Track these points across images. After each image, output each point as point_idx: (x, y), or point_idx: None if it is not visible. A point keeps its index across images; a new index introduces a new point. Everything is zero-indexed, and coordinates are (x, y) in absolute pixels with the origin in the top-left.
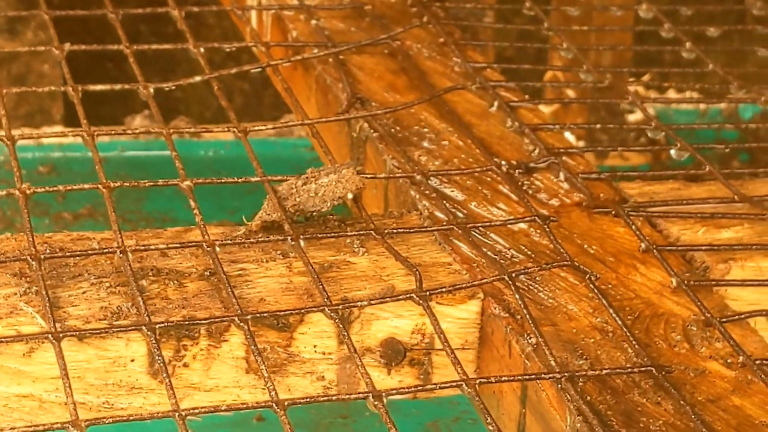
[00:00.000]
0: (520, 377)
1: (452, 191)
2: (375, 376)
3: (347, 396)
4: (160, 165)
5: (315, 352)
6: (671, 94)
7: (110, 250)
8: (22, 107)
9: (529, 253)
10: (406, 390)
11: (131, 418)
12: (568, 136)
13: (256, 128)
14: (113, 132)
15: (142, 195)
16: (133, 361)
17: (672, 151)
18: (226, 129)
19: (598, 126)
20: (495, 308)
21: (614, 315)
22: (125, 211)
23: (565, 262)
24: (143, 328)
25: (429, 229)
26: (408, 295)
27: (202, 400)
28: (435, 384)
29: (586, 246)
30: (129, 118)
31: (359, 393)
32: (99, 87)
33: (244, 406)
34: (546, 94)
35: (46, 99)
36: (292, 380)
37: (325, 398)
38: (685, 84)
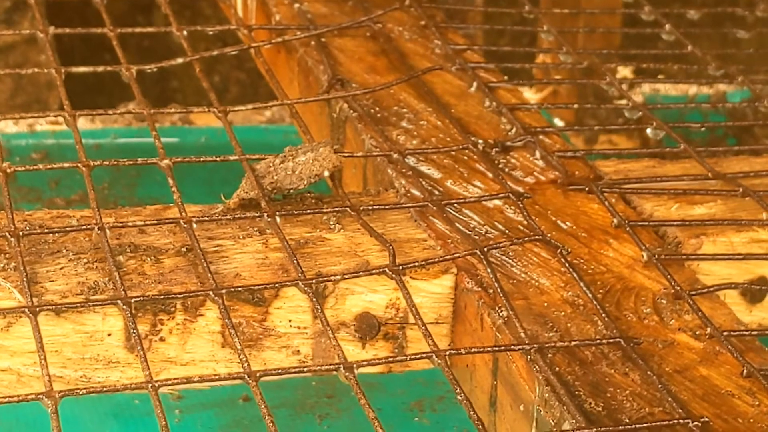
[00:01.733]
0: (489, 349)
1: (429, 169)
2: (350, 350)
3: (318, 368)
4: (151, 151)
5: (290, 326)
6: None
7: (88, 226)
8: (19, 97)
9: (503, 229)
10: (377, 361)
11: (104, 389)
12: (558, 122)
13: (236, 109)
14: (95, 113)
15: (134, 180)
16: (110, 335)
17: (648, 130)
18: (206, 110)
19: (575, 106)
20: (468, 282)
21: (585, 288)
22: (118, 197)
23: (537, 237)
24: (119, 302)
25: (404, 205)
26: (381, 270)
27: (179, 374)
28: (406, 356)
29: (559, 222)
30: (122, 106)
31: (330, 365)
32: (82, 69)
33: (217, 377)
34: (536, 77)
35: (43, 89)
36: (268, 354)
37: (296, 370)
38: (664, 66)
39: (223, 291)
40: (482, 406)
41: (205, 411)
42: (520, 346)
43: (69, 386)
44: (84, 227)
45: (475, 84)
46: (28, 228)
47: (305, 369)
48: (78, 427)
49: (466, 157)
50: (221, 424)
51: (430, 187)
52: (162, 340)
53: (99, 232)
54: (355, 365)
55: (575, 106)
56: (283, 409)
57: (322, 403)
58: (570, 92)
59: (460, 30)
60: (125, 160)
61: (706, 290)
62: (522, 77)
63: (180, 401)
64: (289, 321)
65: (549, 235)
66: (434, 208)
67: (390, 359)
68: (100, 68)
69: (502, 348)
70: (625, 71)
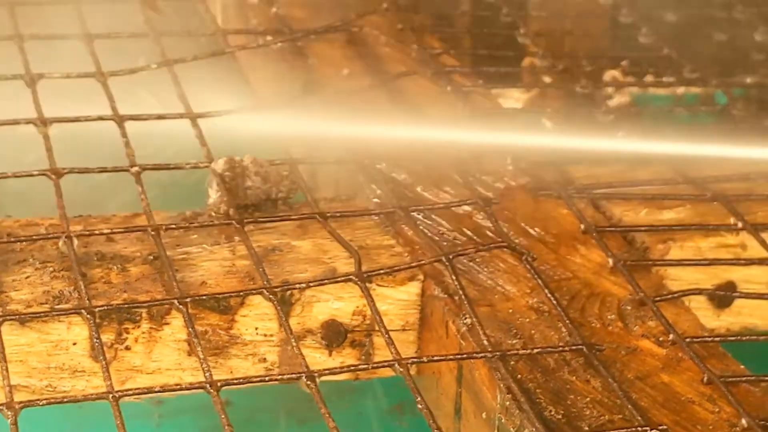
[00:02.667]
0: (451, 357)
1: (400, 175)
2: (316, 357)
3: (281, 377)
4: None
5: (256, 334)
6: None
7: (55, 235)
8: None
9: (471, 235)
10: (339, 370)
11: (65, 399)
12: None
13: (209, 114)
14: (65, 119)
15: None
16: (75, 344)
17: (619, 134)
18: (179, 116)
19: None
20: (434, 289)
21: (549, 295)
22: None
23: (502, 244)
24: (83, 311)
25: (372, 212)
26: (347, 277)
27: (145, 383)
28: (368, 364)
29: (528, 227)
30: None
31: (292, 374)
32: (56, 75)
33: (178, 387)
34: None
35: None
36: (234, 362)
37: (258, 379)
38: (639, 68)
39: (188, 299)
40: (448, 413)
41: (184, 415)
42: (482, 354)
43: (34, 395)
44: (51, 236)
45: (449, 88)
46: None
47: (267, 378)
48: None
49: (438, 163)
50: (200, 429)
51: (400, 193)
52: (128, 348)
53: (66, 240)
54: (317, 374)
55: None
56: (264, 413)
57: (302, 407)
58: (558, 93)
59: (436, 33)
60: (96, 168)
61: (670, 296)
62: (510, 80)
63: (159, 406)
64: (256, 329)
65: (517, 240)
66: (402, 214)
67: (352, 368)
68: (74, 74)
69: (464, 356)
70: (614, 72)
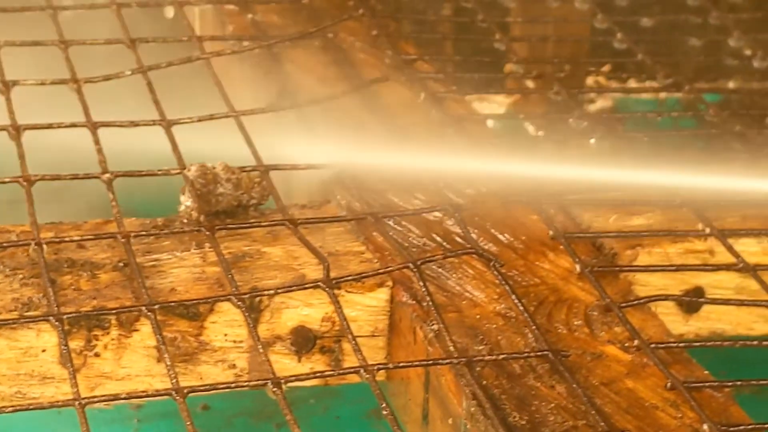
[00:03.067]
0: (417, 363)
1: (371, 181)
2: (286, 363)
3: (247, 383)
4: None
5: (226, 340)
6: (632, 84)
7: (25, 242)
8: None
9: (441, 241)
10: (306, 376)
11: (31, 406)
12: (529, 127)
13: (182, 121)
14: (39, 127)
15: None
16: (44, 351)
17: (591, 140)
18: (152, 122)
19: (521, 116)
20: (403, 296)
21: (516, 301)
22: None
23: (470, 250)
24: (51, 318)
25: (342, 218)
26: (315, 284)
27: (114, 389)
28: (333, 370)
29: (498, 234)
30: None
31: (258, 380)
32: (30, 81)
33: (144, 394)
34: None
35: None
36: (204, 368)
37: (225, 386)
38: (614, 74)
39: (156, 306)
40: (416, 419)
41: (163, 420)
42: (448, 360)
43: (4, 402)
44: (21, 243)
45: (423, 94)
46: None
47: (234, 384)
48: None
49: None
50: None
51: (371, 200)
52: (97, 355)
53: (36, 247)
54: (283, 381)
55: (521, 117)
56: (241, 417)
57: (280, 411)
58: (540, 99)
59: (411, 39)
60: (67, 174)
61: (636, 302)
62: (493, 86)
63: (138, 410)
64: (225, 335)
65: (486, 247)
66: (373, 220)
67: (318, 374)
68: (48, 81)
69: (430, 362)
70: (598, 78)
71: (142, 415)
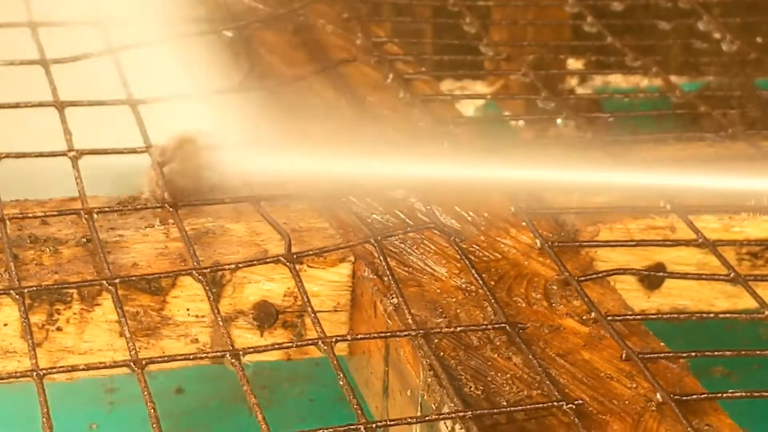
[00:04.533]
0: (376, 335)
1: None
2: (248, 338)
3: (205, 355)
4: None
5: (188, 315)
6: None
7: None
8: None
9: (404, 218)
10: (264, 348)
11: None
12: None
13: (150, 100)
14: (5, 106)
15: None
16: (6, 325)
17: (558, 121)
18: (119, 102)
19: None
20: (364, 270)
21: (475, 275)
22: None
23: (430, 225)
24: (11, 291)
25: (305, 195)
26: (276, 258)
27: (77, 364)
28: (291, 342)
29: (461, 210)
30: None
31: (216, 352)
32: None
33: (103, 365)
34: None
35: None
36: (166, 343)
37: (182, 357)
38: (583, 57)
39: (117, 280)
40: (377, 392)
41: (136, 403)
42: (405, 332)
43: None
44: None
45: (391, 75)
46: None
47: (191, 356)
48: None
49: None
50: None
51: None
52: (59, 330)
53: None
54: (241, 352)
55: (500, 97)
56: (215, 400)
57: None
58: (521, 85)
59: (381, 22)
60: (33, 153)
61: (595, 276)
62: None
63: (112, 393)
64: (187, 310)
65: (449, 223)
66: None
67: (276, 346)
68: (17, 61)
69: (388, 334)
70: (577, 64)
71: (115, 398)
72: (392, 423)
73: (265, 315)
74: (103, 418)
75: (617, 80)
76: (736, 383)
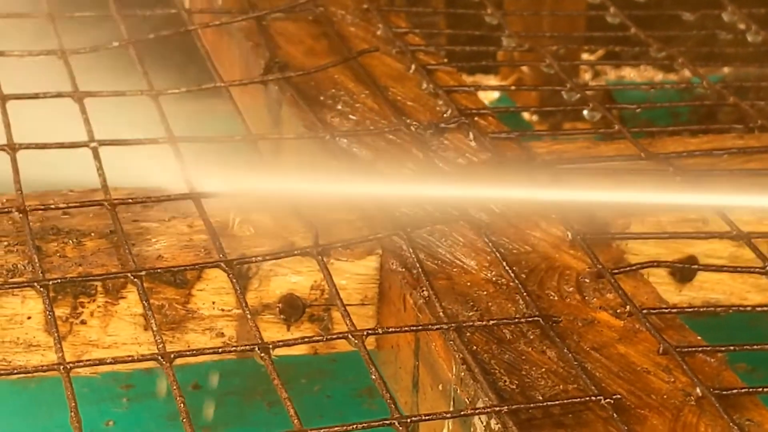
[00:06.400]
0: (407, 328)
1: (361, 151)
2: (274, 332)
3: (234, 348)
4: None
5: (214, 308)
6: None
7: (8, 209)
8: None
9: (431, 210)
10: (294, 341)
11: (15, 372)
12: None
13: (169, 92)
14: (24, 97)
15: None
16: (29, 318)
17: (584, 112)
18: (140, 93)
19: (513, 88)
20: (392, 263)
21: (507, 268)
22: None
23: (460, 218)
24: (36, 284)
25: (332, 187)
26: (304, 251)
27: (103, 357)
28: (321, 335)
29: (490, 203)
30: None
31: (245, 345)
32: (16, 53)
33: (130, 359)
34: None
35: None
36: (191, 336)
37: (211, 351)
38: (606, 48)
39: (143, 272)
40: (406, 387)
41: (153, 399)
42: (437, 326)
43: None
44: (5, 210)
45: (413, 66)
46: None
47: (220, 350)
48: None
49: (399, 140)
50: (169, 413)
51: (361, 170)
52: (83, 323)
53: (21, 215)
54: (271, 346)
55: (512, 88)
56: (232, 396)
57: (271, 390)
58: (534, 78)
59: (402, 13)
60: (53, 143)
61: (629, 268)
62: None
63: (129, 390)
64: (213, 303)
65: (479, 215)
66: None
67: (306, 339)
68: (35, 51)
69: (420, 327)
70: (592, 56)
71: (132, 394)
72: (427, 418)
73: (292, 308)
74: (119, 416)
75: (630, 74)
76: (761, 379)
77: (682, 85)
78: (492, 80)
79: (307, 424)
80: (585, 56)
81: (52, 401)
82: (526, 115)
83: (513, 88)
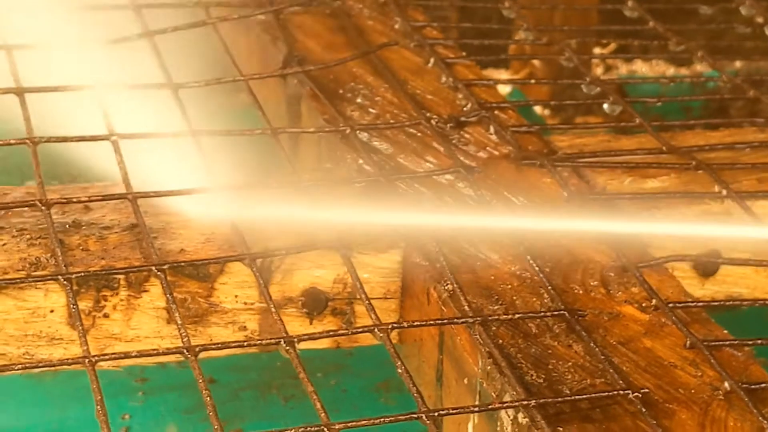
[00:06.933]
0: (432, 322)
1: (381, 145)
2: (297, 325)
3: (259, 341)
4: None
5: (236, 302)
6: (638, 62)
7: (31, 202)
8: None
9: (453, 203)
10: (319, 335)
11: (40, 365)
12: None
13: (189, 85)
14: (42, 90)
15: None
16: (52, 311)
17: (605, 106)
18: (159, 86)
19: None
20: (416, 257)
21: (530, 261)
22: None
23: (483, 211)
24: (59, 277)
25: (354, 180)
26: (327, 245)
27: (128, 351)
28: (347, 330)
29: (511, 196)
30: None
31: (270, 339)
32: (32, 45)
33: (155, 352)
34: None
35: None
36: (214, 330)
37: (236, 344)
38: (625, 42)
39: (166, 266)
40: (429, 380)
41: (168, 393)
42: (463, 319)
43: (12, 363)
44: (27, 203)
45: (432, 60)
46: None
47: (245, 344)
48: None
49: (419, 133)
50: (185, 407)
51: (381, 162)
52: (106, 316)
53: (44, 208)
54: (296, 339)
55: (532, 81)
56: (248, 390)
57: (287, 384)
58: (546, 72)
59: (419, 7)
60: (74, 137)
61: (654, 262)
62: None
63: (144, 384)
64: (236, 296)
65: (500, 209)
66: (385, 182)
67: (331, 333)
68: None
69: (445, 321)
70: (604, 50)
71: (147, 387)
72: (455, 411)
73: (315, 302)
74: (136, 409)
75: (642, 68)
76: None
77: (701, 79)
78: (503, 74)
79: None
80: (597, 50)
81: (66, 395)
82: (537, 109)
83: (533, 81)
